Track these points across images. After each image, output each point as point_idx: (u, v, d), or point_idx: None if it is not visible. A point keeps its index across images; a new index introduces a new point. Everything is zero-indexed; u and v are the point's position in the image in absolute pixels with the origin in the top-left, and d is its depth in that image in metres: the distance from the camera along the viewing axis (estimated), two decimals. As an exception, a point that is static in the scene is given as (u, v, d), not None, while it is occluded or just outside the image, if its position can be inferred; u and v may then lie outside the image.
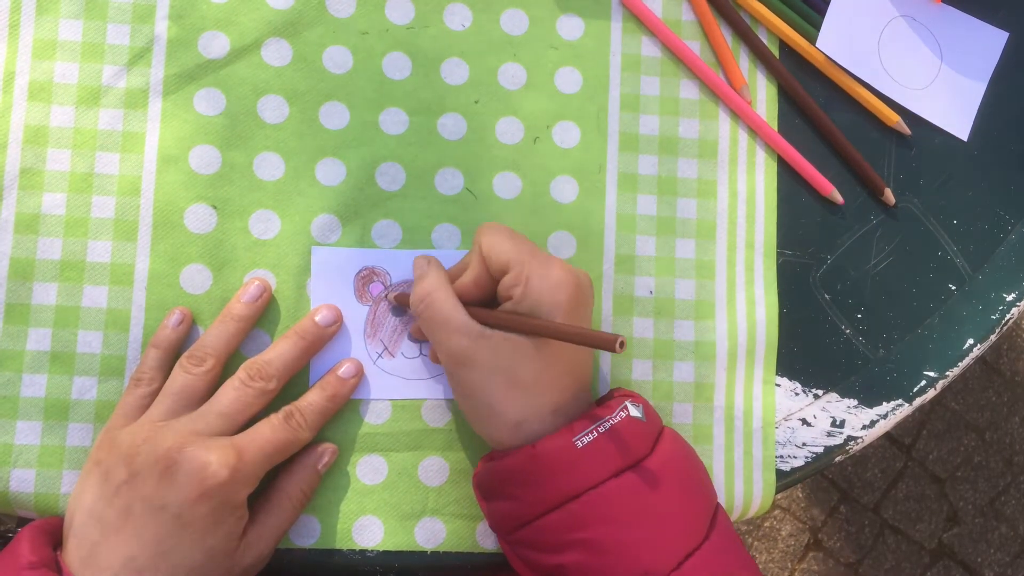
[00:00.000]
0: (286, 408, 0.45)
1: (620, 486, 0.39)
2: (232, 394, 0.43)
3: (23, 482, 0.45)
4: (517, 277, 0.41)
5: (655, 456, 0.41)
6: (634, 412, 0.41)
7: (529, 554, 0.41)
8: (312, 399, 0.46)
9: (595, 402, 0.44)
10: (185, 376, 0.44)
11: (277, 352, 0.45)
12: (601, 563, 0.39)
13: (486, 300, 0.44)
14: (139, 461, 0.41)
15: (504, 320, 0.41)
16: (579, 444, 0.39)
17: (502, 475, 0.41)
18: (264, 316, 0.47)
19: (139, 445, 0.41)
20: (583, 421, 0.40)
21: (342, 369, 0.47)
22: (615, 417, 0.40)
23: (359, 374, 0.47)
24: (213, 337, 0.45)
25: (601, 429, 0.40)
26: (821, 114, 0.53)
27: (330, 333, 0.47)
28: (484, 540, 0.48)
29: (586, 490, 0.39)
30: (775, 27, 0.53)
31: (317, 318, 0.46)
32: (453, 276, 0.45)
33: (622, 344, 0.36)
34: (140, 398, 0.44)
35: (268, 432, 0.43)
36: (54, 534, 0.42)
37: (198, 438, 0.41)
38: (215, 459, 0.40)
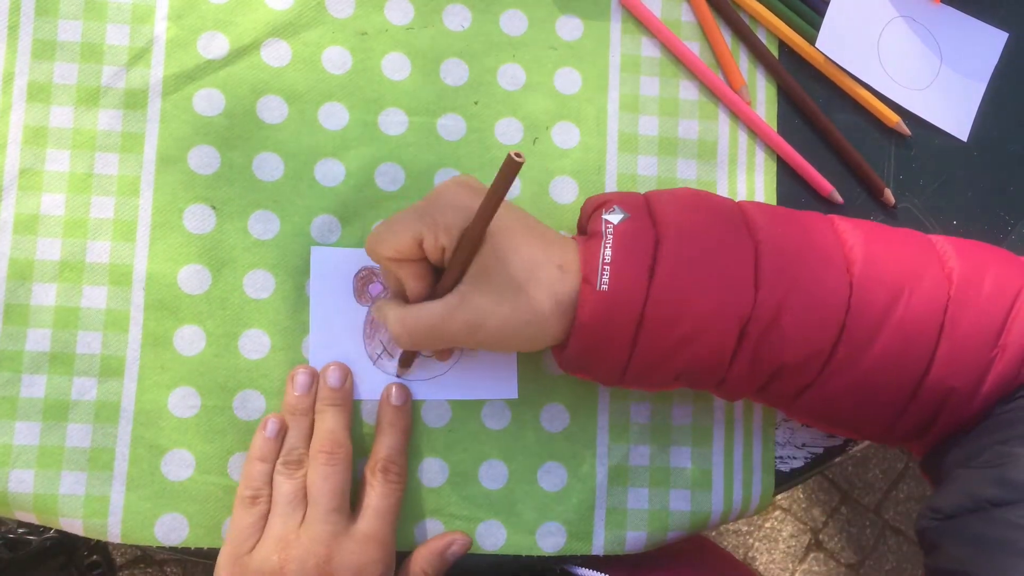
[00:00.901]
0: (380, 466, 0.45)
1: (663, 280, 0.40)
2: (316, 480, 0.44)
3: (21, 483, 0.45)
4: (430, 231, 0.41)
5: (662, 227, 0.41)
6: (615, 218, 0.41)
7: (648, 378, 0.43)
8: (391, 443, 0.46)
9: (580, 234, 0.45)
10: (291, 482, 0.44)
11: (327, 427, 0.45)
12: (703, 344, 0.41)
13: (436, 280, 0.44)
14: None
15: (458, 263, 0.41)
16: (604, 288, 0.40)
17: (577, 357, 0.42)
18: (264, 316, 0.47)
19: (284, 564, 0.42)
20: (589, 264, 0.41)
21: (392, 397, 0.47)
22: (606, 238, 0.41)
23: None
24: (296, 437, 0.45)
25: (607, 259, 0.40)
26: (820, 115, 0.53)
27: (347, 391, 0.47)
28: (484, 541, 0.48)
29: (642, 309, 0.40)
30: (774, 27, 0.53)
31: (329, 382, 0.47)
32: (401, 295, 0.45)
33: (518, 155, 0.36)
34: (260, 517, 0.44)
35: (383, 503, 0.44)
36: None
37: (336, 540, 0.42)
38: (367, 561, 0.43)
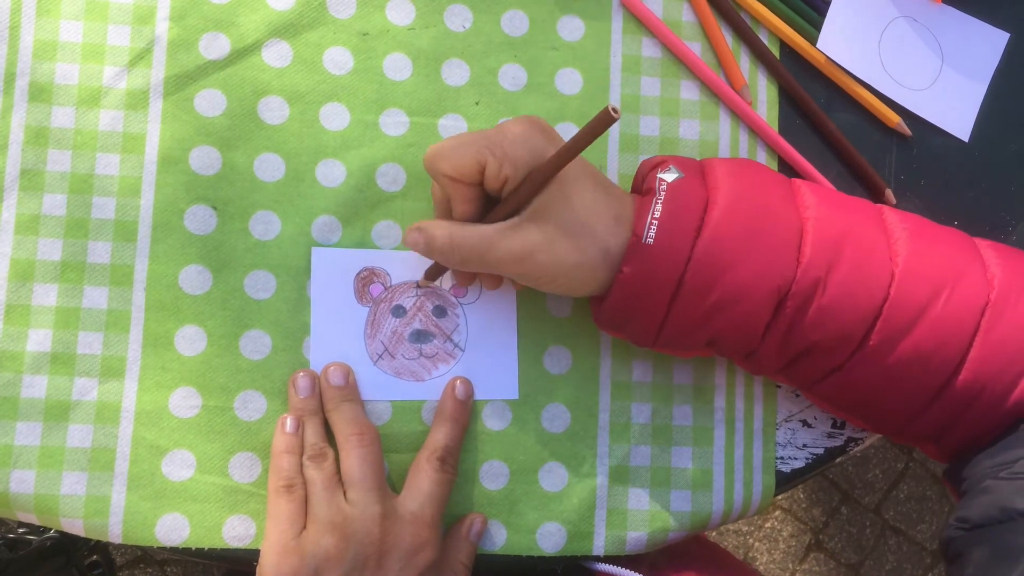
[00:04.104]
0: (437, 455, 0.46)
1: (708, 242, 0.40)
2: (353, 462, 0.45)
3: (23, 483, 0.45)
4: (495, 159, 0.40)
5: (714, 191, 0.41)
6: (670, 176, 0.42)
7: (682, 341, 0.43)
8: (452, 435, 0.47)
9: (634, 191, 0.45)
10: (321, 472, 0.45)
11: (347, 417, 0.46)
12: (740, 311, 0.41)
13: (486, 211, 0.44)
14: (349, 557, 0.42)
15: (517, 198, 0.41)
16: (650, 241, 0.40)
17: (614, 311, 0.43)
18: (265, 317, 0.47)
19: (339, 544, 0.42)
20: (640, 218, 0.41)
21: (457, 391, 0.47)
22: (659, 194, 0.41)
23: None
24: (313, 434, 0.46)
25: (656, 214, 0.41)
26: (822, 115, 0.53)
27: (351, 386, 0.47)
28: (484, 541, 0.48)
29: (684, 266, 0.40)
30: (776, 28, 0.53)
31: (332, 381, 0.47)
32: (446, 217, 0.45)
33: (615, 109, 0.35)
34: (300, 503, 0.44)
35: (436, 489, 0.45)
36: None
37: (387, 520, 0.43)
38: (419, 543, 0.43)
